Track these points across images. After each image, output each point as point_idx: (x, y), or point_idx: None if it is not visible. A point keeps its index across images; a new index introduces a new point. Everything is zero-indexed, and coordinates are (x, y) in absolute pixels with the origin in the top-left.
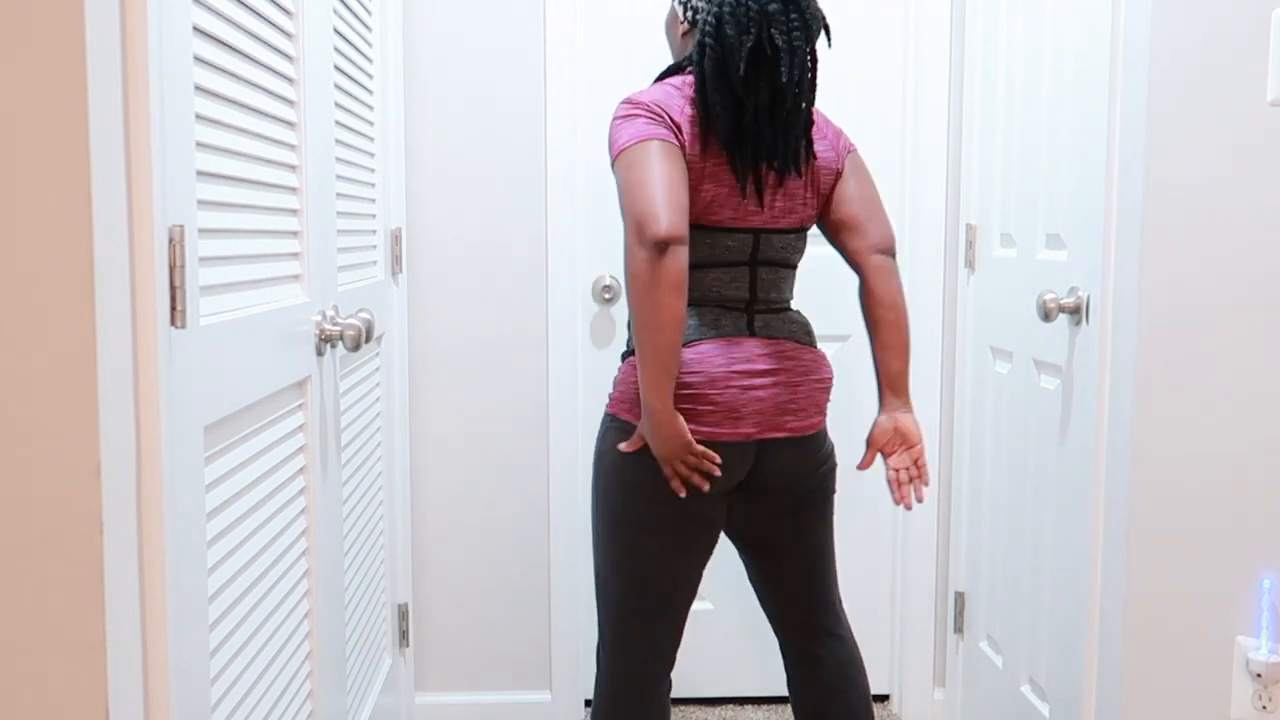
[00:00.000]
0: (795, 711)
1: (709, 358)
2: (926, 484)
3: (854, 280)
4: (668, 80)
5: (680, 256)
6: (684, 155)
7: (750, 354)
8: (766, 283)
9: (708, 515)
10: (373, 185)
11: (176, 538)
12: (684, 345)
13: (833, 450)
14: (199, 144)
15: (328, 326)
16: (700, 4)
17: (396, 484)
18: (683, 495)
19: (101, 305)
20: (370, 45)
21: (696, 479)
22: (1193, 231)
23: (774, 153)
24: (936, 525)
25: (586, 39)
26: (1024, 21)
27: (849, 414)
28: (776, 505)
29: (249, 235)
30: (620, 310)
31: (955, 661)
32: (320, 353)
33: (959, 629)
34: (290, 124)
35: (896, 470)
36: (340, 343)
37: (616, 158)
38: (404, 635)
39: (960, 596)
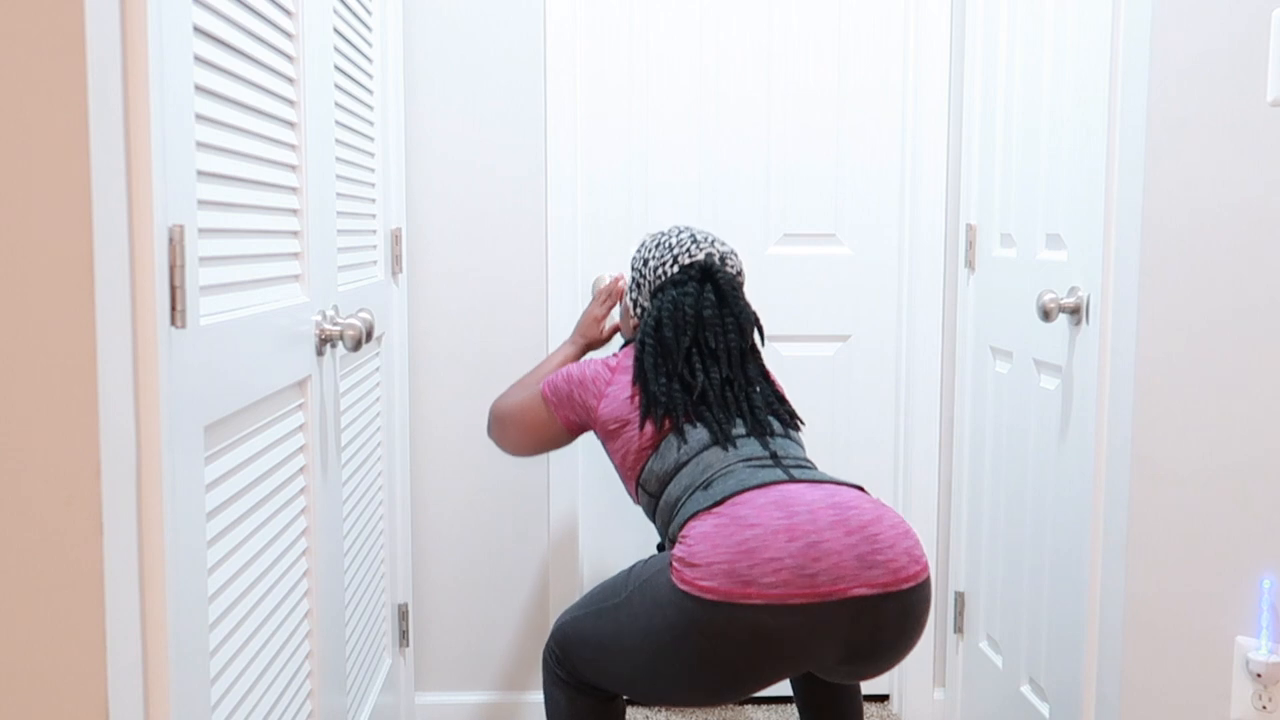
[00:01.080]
0: (800, 711)
1: (763, 510)
2: None
3: (855, 280)
4: (626, 353)
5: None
6: (611, 431)
7: (810, 502)
8: (779, 444)
9: (763, 683)
10: (373, 185)
11: (176, 538)
12: (726, 499)
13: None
14: (199, 144)
15: (328, 326)
16: (645, 304)
17: (396, 484)
18: None
19: (101, 305)
20: (370, 45)
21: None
22: (1193, 231)
23: (743, 413)
24: (936, 525)
25: (586, 39)
26: (1024, 22)
27: (849, 414)
28: (859, 669)
29: (249, 235)
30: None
31: (955, 661)
32: (320, 353)
33: (959, 629)
34: (290, 124)
35: None
36: (340, 343)
37: (543, 378)
38: (404, 635)
39: (960, 596)
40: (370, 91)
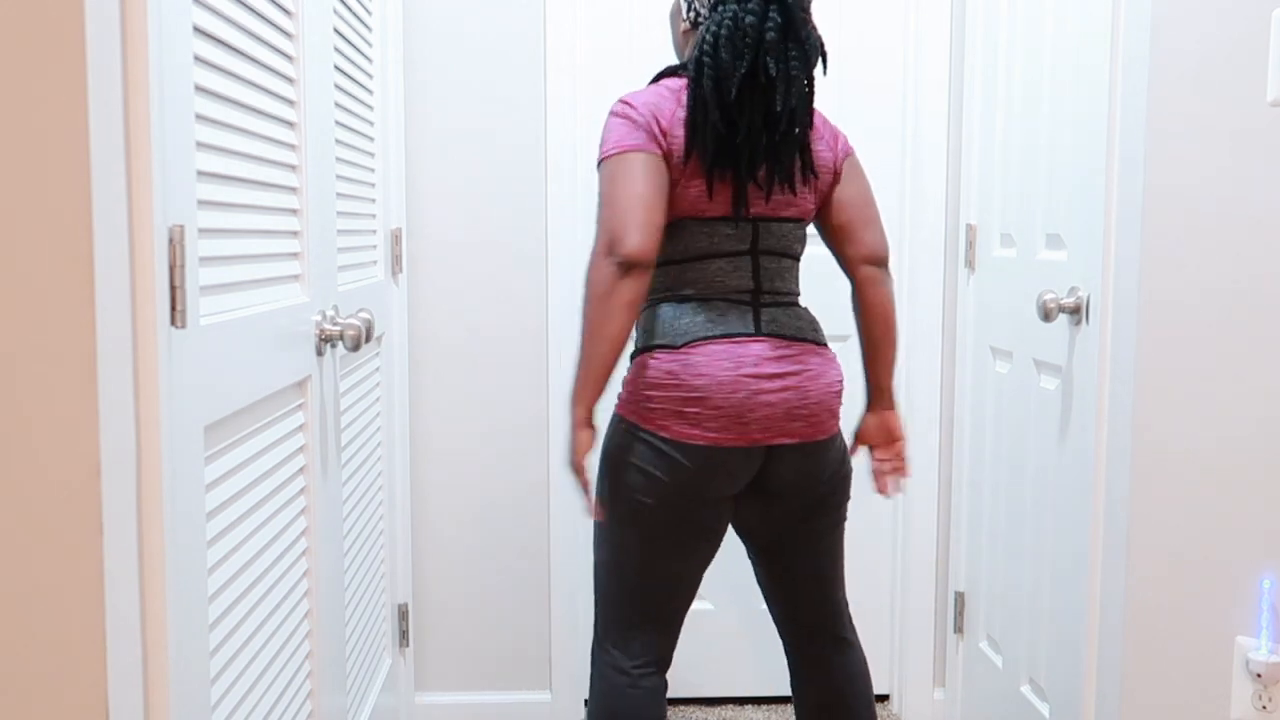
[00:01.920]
0: (798, 712)
1: (715, 360)
2: (906, 476)
3: None
4: (664, 82)
5: (642, 280)
6: (670, 161)
7: (758, 356)
8: (770, 272)
9: (711, 520)
10: (373, 185)
11: (176, 538)
12: (689, 345)
13: (847, 456)
14: (199, 144)
15: (328, 326)
16: (703, 9)
17: (396, 484)
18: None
19: (101, 305)
20: (370, 45)
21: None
22: (1193, 231)
23: (770, 171)
24: (936, 525)
25: (586, 38)
26: (1024, 22)
27: (849, 414)
28: (786, 509)
29: (249, 235)
30: None
31: (955, 661)
32: (320, 353)
33: (959, 629)
34: (290, 124)
35: (880, 462)
36: (340, 343)
37: (601, 161)
38: (404, 635)
39: (960, 596)
40: (370, 91)
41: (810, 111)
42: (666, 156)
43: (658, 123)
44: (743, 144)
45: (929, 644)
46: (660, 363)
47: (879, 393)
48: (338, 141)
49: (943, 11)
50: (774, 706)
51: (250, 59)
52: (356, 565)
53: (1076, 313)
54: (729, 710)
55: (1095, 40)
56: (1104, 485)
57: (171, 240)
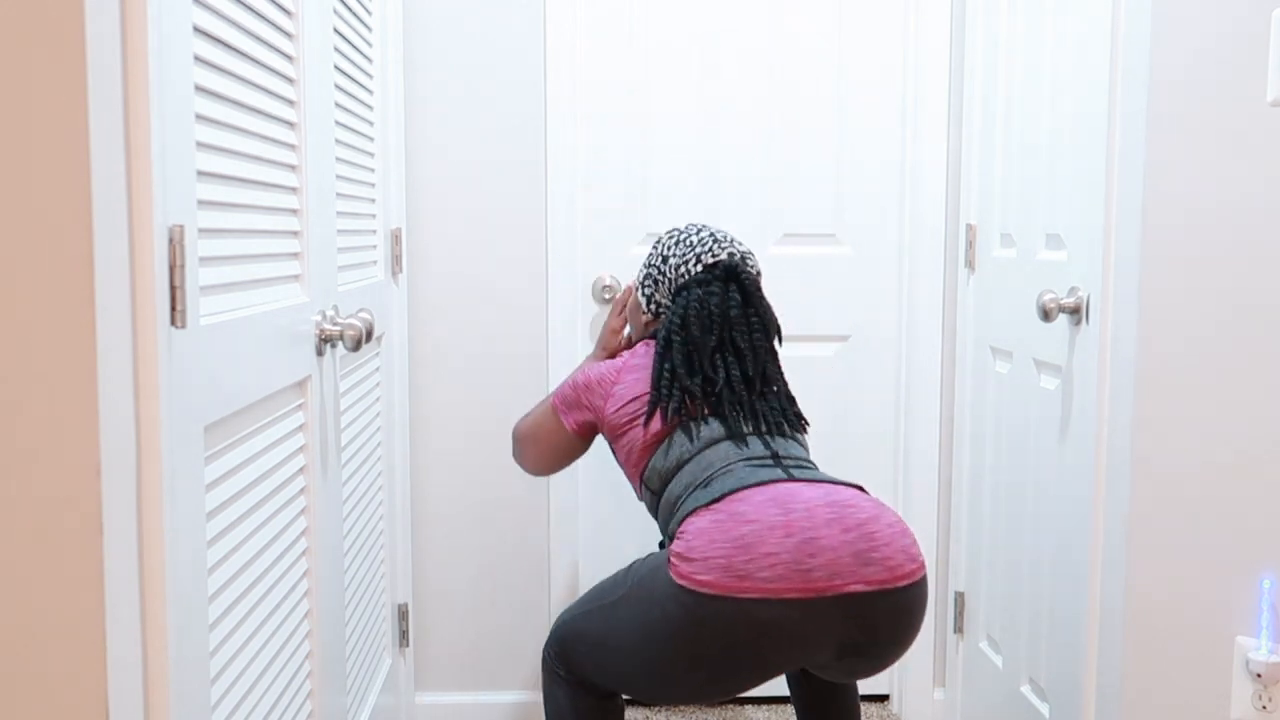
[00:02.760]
0: (798, 711)
1: (761, 507)
2: None
3: (854, 280)
4: (632, 353)
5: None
6: (619, 431)
7: (808, 501)
8: (782, 444)
9: (760, 678)
10: (373, 185)
11: (176, 538)
12: (724, 497)
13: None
14: (199, 144)
15: (328, 326)
16: (664, 301)
17: (396, 484)
18: None
19: (101, 305)
20: (370, 45)
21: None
22: (1193, 231)
23: (757, 415)
24: (936, 525)
25: (586, 38)
26: (1024, 21)
27: (849, 414)
28: (855, 666)
29: (249, 235)
30: None
31: (955, 661)
32: (320, 353)
33: (959, 629)
34: (290, 124)
35: None
36: (340, 343)
37: (555, 394)
38: (404, 635)
39: (960, 596)
40: (370, 91)
41: (779, 374)
42: (610, 424)
43: (617, 396)
44: (722, 393)
45: (929, 644)
46: (699, 520)
47: None
48: (338, 141)
49: (943, 11)
50: (774, 706)
51: (250, 59)
52: (356, 565)
53: (1076, 313)
54: (729, 710)
55: (1095, 40)
56: (1104, 485)
57: (171, 240)
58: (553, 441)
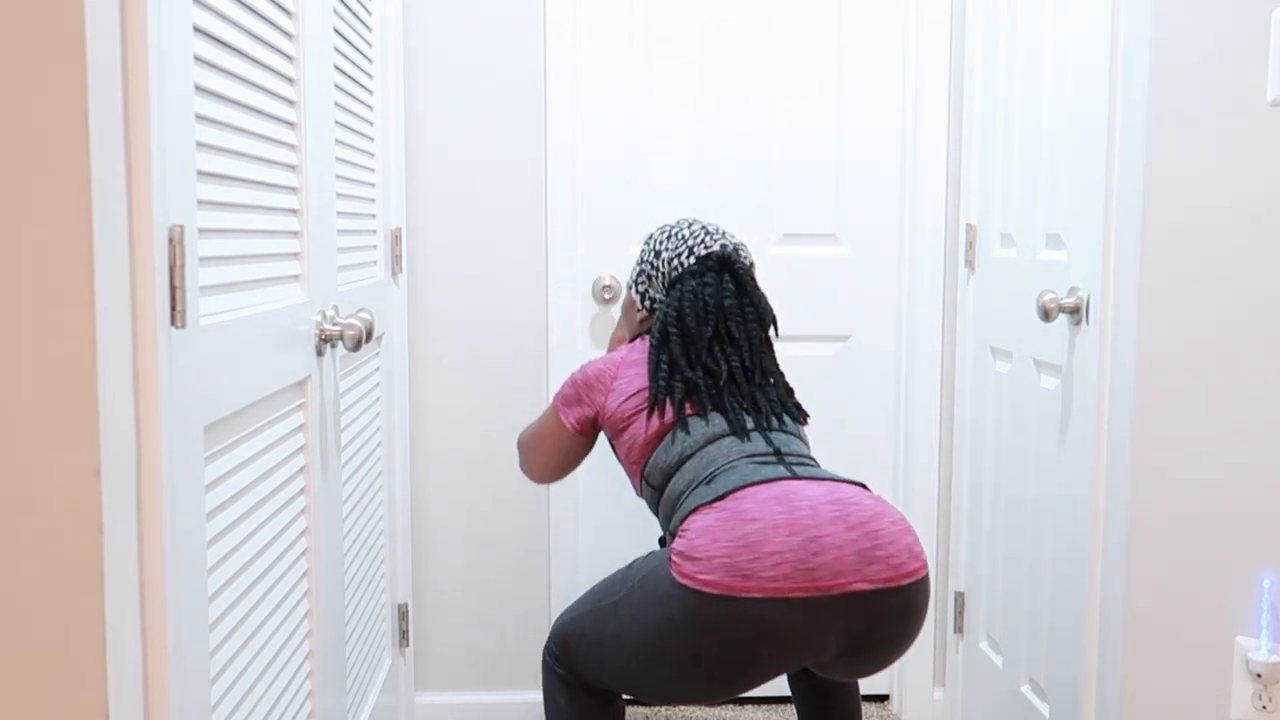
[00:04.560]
0: (799, 711)
1: (765, 505)
2: None
3: (854, 280)
4: (630, 348)
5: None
6: (620, 429)
7: (812, 498)
8: (783, 440)
9: (761, 678)
10: (373, 185)
11: (176, 538)
12: (727, 494)
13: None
14: (199, 144)
15: (328, 326)
16: (658, 295)
17: (396, 484)
18: None
19: (101, 305)
20: (370, 45)
21: None
22: (1193, 231)
23: (757, 406)
24: (936, 525)
25: (586, 38)
26: (1024, 22)
27: (849, 414)
28: (857, 665)
29: (249, 235)
30: (620, 310)
31: (955, 661)
32: (320, 353)
33: (959, 629)
34: (290, 124)
35: None
36: (340, 343)
37: (556, 396)
38: (404, 635)
39: (960, 596)
40: (370, 91)
41: (775, 365)
42: (612, 419)
43: (617, 391)
44: (725, 386)
45: (929, 644)
46: (703, 518)
47: None
48: (338, 141)
49: (943, 11)
50: (774, 706)
51: (250, 59)
52: (356, 565)
53: (1076, 313)
54: (729, 710)
55: (1095, 40)
56: (1104, 485)
57: (171, 240)
58: (556, 443)
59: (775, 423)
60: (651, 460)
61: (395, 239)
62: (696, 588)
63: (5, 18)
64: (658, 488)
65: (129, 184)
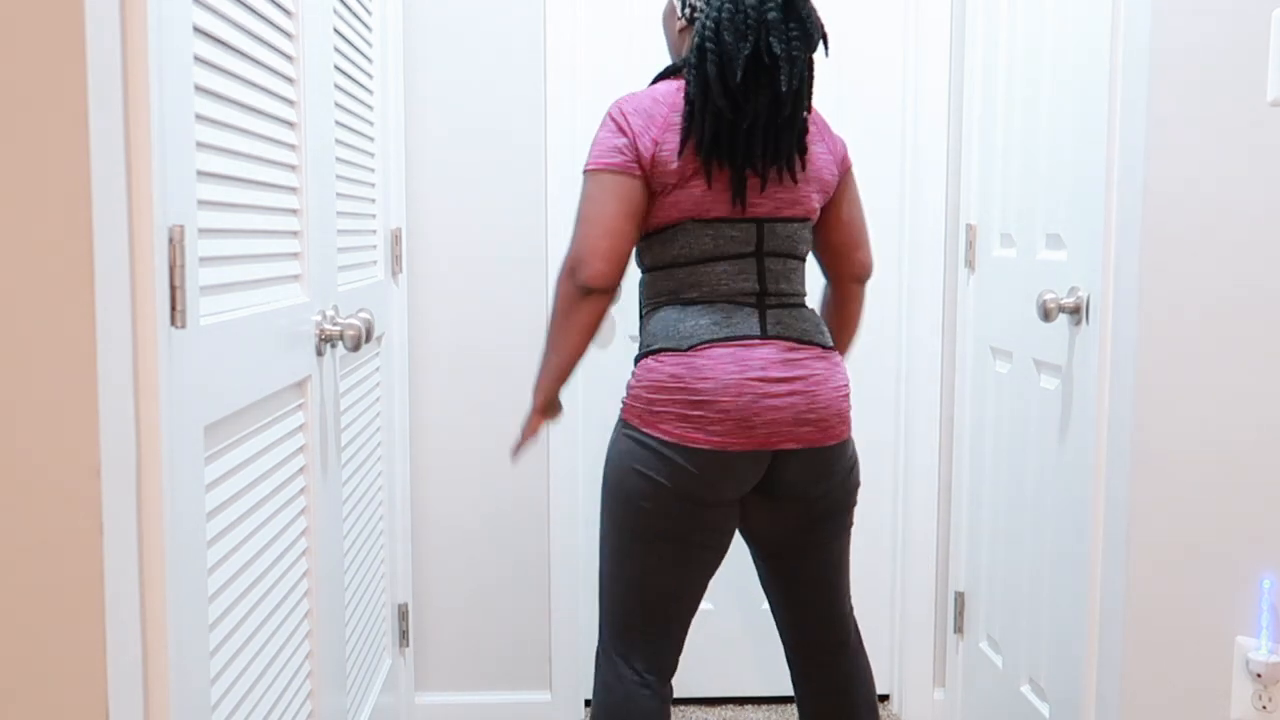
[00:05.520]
0: (801, 716)
1: (721, 364)
2: None
3: None
4: (660, 86)
5: (602, 302)
6: (661, 170)
7: (765, 360)
8: (775, 274)
9: (715, 526)
10: (373, 185)
11: (176, 538)
12: (695, 348)
13: (856, 463)
14: (199, 144)
15: (328, 326)
16: (699, 3)
17: (396, 484)
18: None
19: (101, 305)
20: (370, 45)
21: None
22: (1193, 231)
23: (769, 157)
24: (936, 525)
25: (586, 39)
26: (1024, 21)
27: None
28: (793, 515)
29: (249, 235)
30: (620, 310)
31: (955, 661)
32: (320, 353)
33: (959, 629)
34: (290, 124)
35: None
36: (340, 343)
37: (584, 172)
38: (404, 635)
39: (960, 596)
40: (370, 91)
41: (811, 93)
42: (652, 168)
43: (649, 131)
44: (749, 128)
45: (929, 644)
46: (665, 365)
47: None
48: (338, 141)
49: (943, 11)
50: (774, 706)
51: (250, 59)
52: (356, 565)
53: (1076, 313)
54: (729, 710)
55: (1095, 40)
56: (1104, 485)
57: (171, 240)
58: (609, 197)
59: (782, 174)
60: (652, 238)
61: (395, 239)
62: (649, 431)
63: (5, 18)
64: (645, 268)
65: (129, 184)
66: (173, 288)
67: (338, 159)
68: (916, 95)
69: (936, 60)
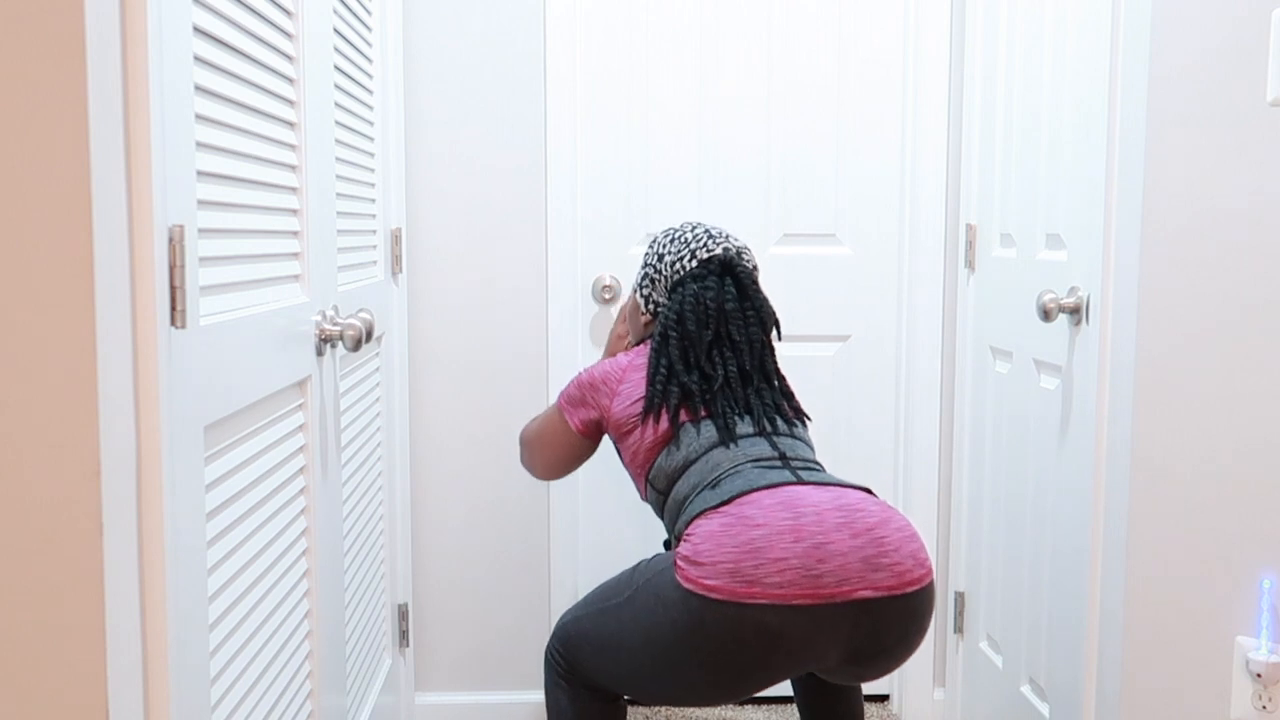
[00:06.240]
0: (801, 712)
1: (769, 510)
2: None
3: (854, 280)
4: (637, 352)
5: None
6: (628, 421)
7: (815, 502)
8: (788, 444)
9: (766, 681)
10: (373, 185)
11: (176, 538)
12: (733, 499)
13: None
14: (199, 144)
15: (328, 326)
16: (661, 300)
17: (396, 484)
18: None
19: (101, 305)
20: (370, 45)
21: None
22: (1193, 231)
23: (751, 410)
24: (936, 525)
25: (586, 38)
26: (1024, 22)
27: (849, 414)
28: (861, 671)
29: (249, 235)
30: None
31: (955, 661)
32: (320, 353)
33: (959, 629)
34: (290, 124)
35: None
36: (340, 343)
37: (561, 395)
38: (404, 635)
39: (960, 596)
40: (370, 91)
41: (777, 369)
42: (616, 422)
43: (619, 389)
44: (720, 390)
45: (929, 644)
46: (708, 523)
47: None
48: (338, 142)
49: (942, 12)
50: (774, 706)
51: (250, 59)
52: (356, 565)
53: (1076, 313)
54: (729, 710)
55: (1095, 40)
56: (1104, 485)
57: (171, 240)
58: (560, 443)
59: (771, 426)
60: (656, 465)
61: (395, 239)
62: (701, 593)
63: (5, 18)
64: (663, 491)
65: (129, 184)
66: (173, 288)
67: (338, 159)
68: (916, 95)
69: (936, 61)
